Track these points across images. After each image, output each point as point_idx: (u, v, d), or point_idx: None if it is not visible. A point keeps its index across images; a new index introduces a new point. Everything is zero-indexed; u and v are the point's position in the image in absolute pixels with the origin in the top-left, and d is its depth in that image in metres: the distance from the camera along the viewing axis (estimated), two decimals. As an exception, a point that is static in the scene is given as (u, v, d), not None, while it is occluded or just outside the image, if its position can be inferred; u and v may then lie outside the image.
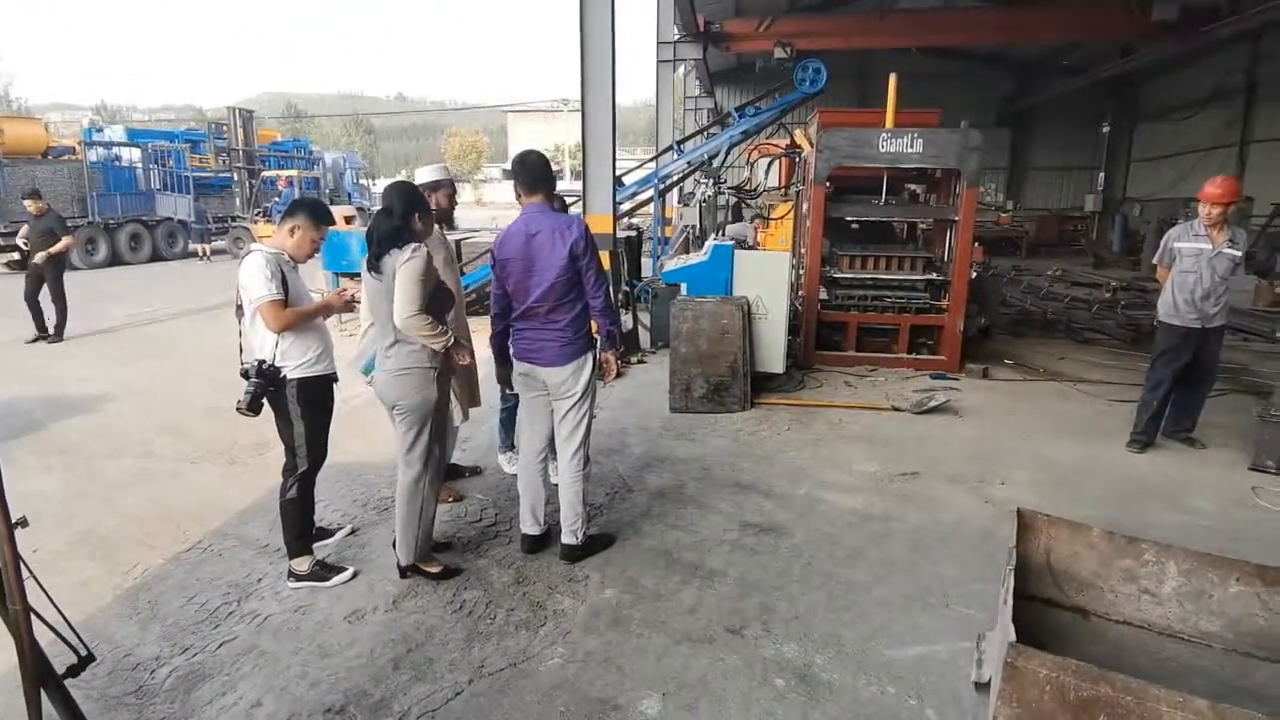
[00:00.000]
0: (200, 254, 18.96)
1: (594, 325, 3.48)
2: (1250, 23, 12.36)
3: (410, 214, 3.15)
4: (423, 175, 4.13)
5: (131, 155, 19.75)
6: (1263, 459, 4.66)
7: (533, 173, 3.36)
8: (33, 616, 1.82)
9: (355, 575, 3.40)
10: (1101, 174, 22.08)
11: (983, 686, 2.58)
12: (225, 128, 22.05)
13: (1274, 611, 2.61)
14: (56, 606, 1.90)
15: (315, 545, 3.54)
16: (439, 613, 3.10)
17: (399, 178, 4.09)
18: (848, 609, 3.14)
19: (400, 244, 3.07)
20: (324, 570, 3.38)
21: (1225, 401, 6.03)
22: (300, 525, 3.38)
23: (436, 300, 3.16)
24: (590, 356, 3.44)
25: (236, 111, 21.78)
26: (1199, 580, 2.70)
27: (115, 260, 17.81)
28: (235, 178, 21.00)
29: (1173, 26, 13.43)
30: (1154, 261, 5.14)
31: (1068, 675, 2.03)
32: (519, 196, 3.42)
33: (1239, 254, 4.72)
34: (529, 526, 3.61)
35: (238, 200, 20.99)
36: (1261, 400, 5.01)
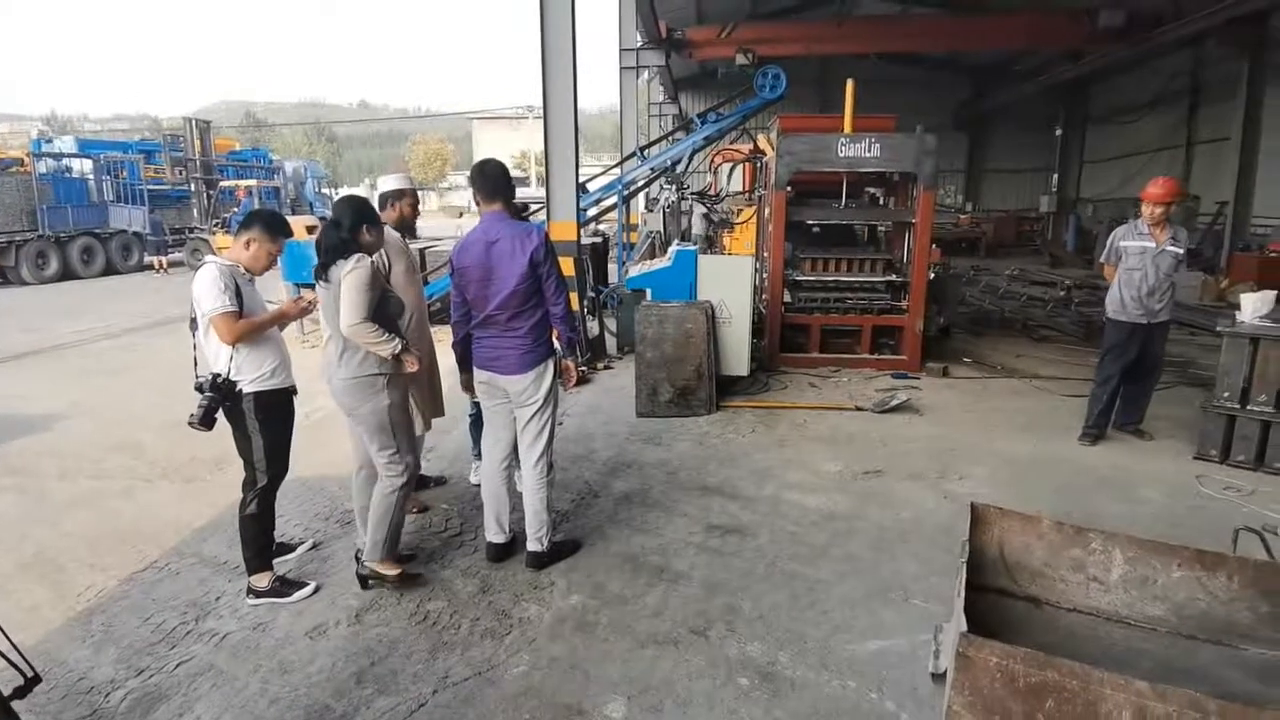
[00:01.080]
0: (156, 266, 18.54)
1: (554, 333, 3.49)
2: (1192, 28, 12.79)
3: (358, 226, 3.16)
4: (385, 184, 4.12)
5: (83, 166, 19.29)
6: (1206, 449, 4.83)
7: (491, 181, 3.37)
8: None
9: (317, 590, 3.36)
10: (1055, 175, 22.65)
11: (939, 677, 2.64)
12: (181, 138, 21.66)
13: (1214, 595, 2.71)
14: (0, 628, 1.84)
15: (276, 560, 3.50)
16: (403, 625, 3.07)
17: (362, 186, 4.06)
18: (811, 607, 3.19)
19: (346, 255, 3.07)
20: (284, 586, 3.33)
21: (1172, 394, 6.23)
22: (260, 541, 3.34)
23: (385, 308, 3.16)
24: (551, 364, 3.45)
25: (193, 122, 21.49)
26: (1143, 567, 2.78)
27: (67, 274, 17.36)
28: (193, 189, 20.61)
29: (1118, 33, 13.87)
30: (1100, 260, 5.30)
31: (1016, 663, 2.09)
32: (478, 205, 3.42)
33: (1181, 251, 4.89)
34: (494, 535, 3.60)
35: (195, 211, 20.60)
36: (1205, 392, 5.18)
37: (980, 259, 18.05)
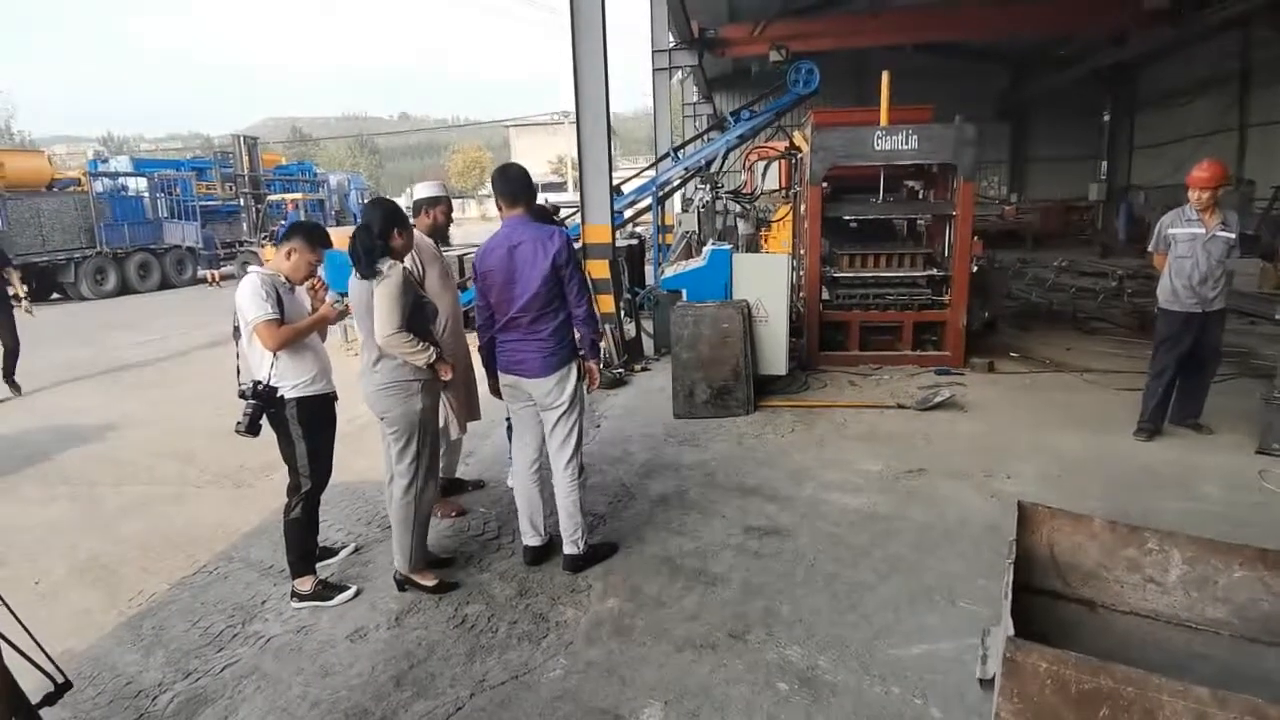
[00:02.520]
0: (210, 280, 19.12)
1: (577, 335, 3.49)
2: (1239, 8, 12.28)
3: (389, 230, 3.19)
4: (420, 192, 4.17)
5: (138, 185, 19.97)
6: (1269, 442, 4.61)
7: (512, 185, 3.39)
8: (3, 644, 1.80)
9: (358, 594, 3.40)
10: (1104, 163, 21.94)
11: (988, 683, 2.55)
12: (231, 155, 22.29)
13: (1278, 595, 2.57)
14: (30, 633, 1.88)
15: (319, 564, 3.55)
16: (441, 628, 3.09)
17: (404, 196, 4.15)
18: (852, 610, 3.12)
19: (379, 260, 3.10)
20: (326, 590, 3.38)
21: (1233, 386, 5.97)
22: (304, 545, 3.40)
23: (419, 315, 3.19)
24: (574, 366, 3.44)
25: (241, 139, 22.04)
26: (1203, 567, 2.66)
27: (125, 289, 17.99)
28: (242, 203, 21.18)
29: (1164, 14, 13.39)
30: (1149, 249, 5.10)
31: (1068, 668, 2.00)
32: (500, 209, 3.44)
33: (1233, 236, 4.68)
34: (530, 538, 3.60)
35: (245, 225, 21.16)
36: (1267, 384, 4.94)
37: (1027, 251, 17.59)
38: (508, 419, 4.55)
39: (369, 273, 3.12)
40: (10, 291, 7.89)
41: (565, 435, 3.46)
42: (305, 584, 3.37)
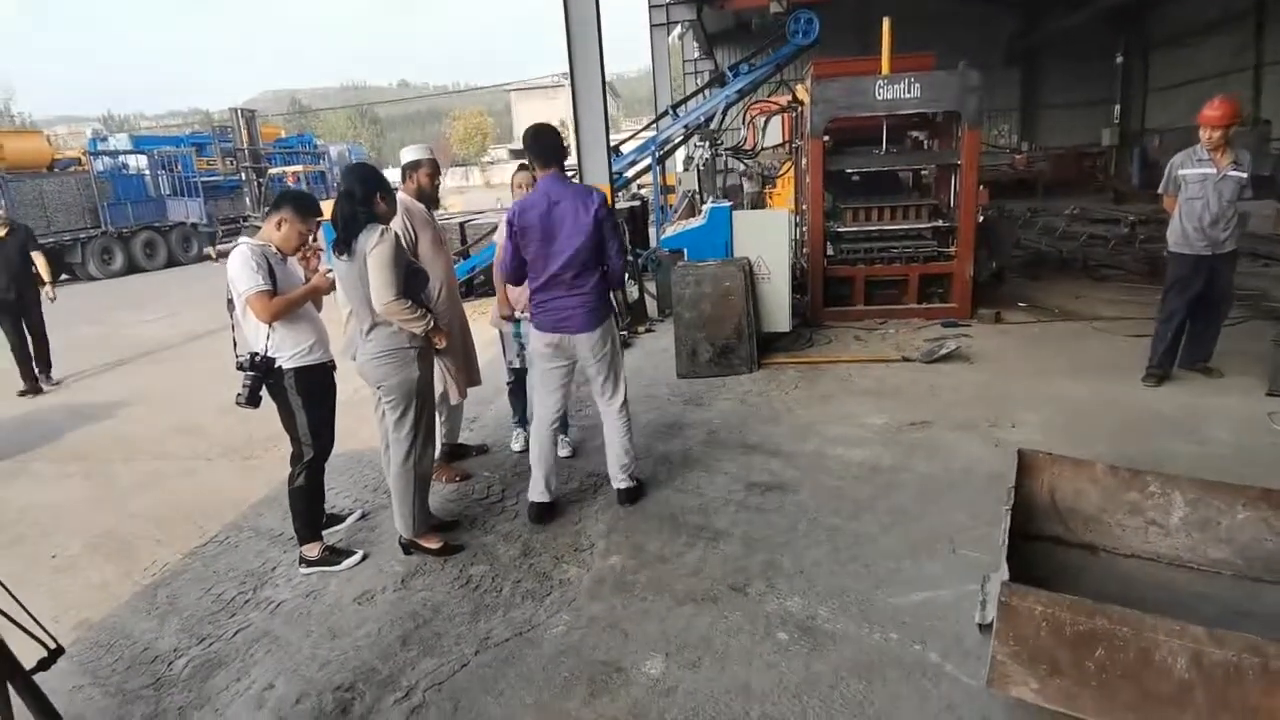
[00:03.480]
0: (213, 256, 19.13)
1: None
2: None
3: (371, 195, 3.15)
4: (404, 156, 4.12)
5: (139, 163, 19.91)
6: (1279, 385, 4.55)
7: (547, 146, 3.47)
8: None
9: (364, 558, 3.45)
10: (1117, 107, 21.39)
11: (987, 628, 2.56)
12: (230, 129, 22.09)
13: (1283, 535, 2.55)
14: (19, 601, 1.91)
15: (327, 531, 3.60)
16: (446, 589, 3.14)
17: (400, 158, 4.14)
18: (853, 560, 3.13)
19: (365, 226, 3.07)
20: (333, 555, 3.43)
21: (1245, 329, 5.87)
22: (309, 513, 3.44)
23: (411, 281, 3.17)
24: (613, 317, 3.62)
25: (239, 112, 21.73)
26: (1205, 509, 2.65)
27: (132, 268, 18.06)
28: (243, 178, 21.03)
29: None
30: (1160, 190, 4.99)
31: (1063, 611, 2.01)
32: (532, 169, 3.54)
33: (1244, 175, 4.56)
34: (539, 495, 3.66)
35: (247, 200, 21.02)
36: (1278, 325, 4.86)
37: (1038, 199, 17.26)
38: (509, 383, 4.58)
39: (344, 249, 3.10)
40: (37, 274, 7.24)
41: (614, 380, 3.66)
42: (313, 550, 3.41)
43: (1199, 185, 4.63)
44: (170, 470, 4.85)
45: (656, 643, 2.67)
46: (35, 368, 7.20)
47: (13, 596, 1.87)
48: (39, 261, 7.30)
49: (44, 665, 1.95)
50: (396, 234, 3.16)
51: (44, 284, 7.40)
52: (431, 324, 3.18)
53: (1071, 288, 8.02)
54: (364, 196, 3.12)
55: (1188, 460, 3.77)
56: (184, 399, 6.50)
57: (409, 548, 3.41)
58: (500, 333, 4.43)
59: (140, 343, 9.32)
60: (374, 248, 3.04)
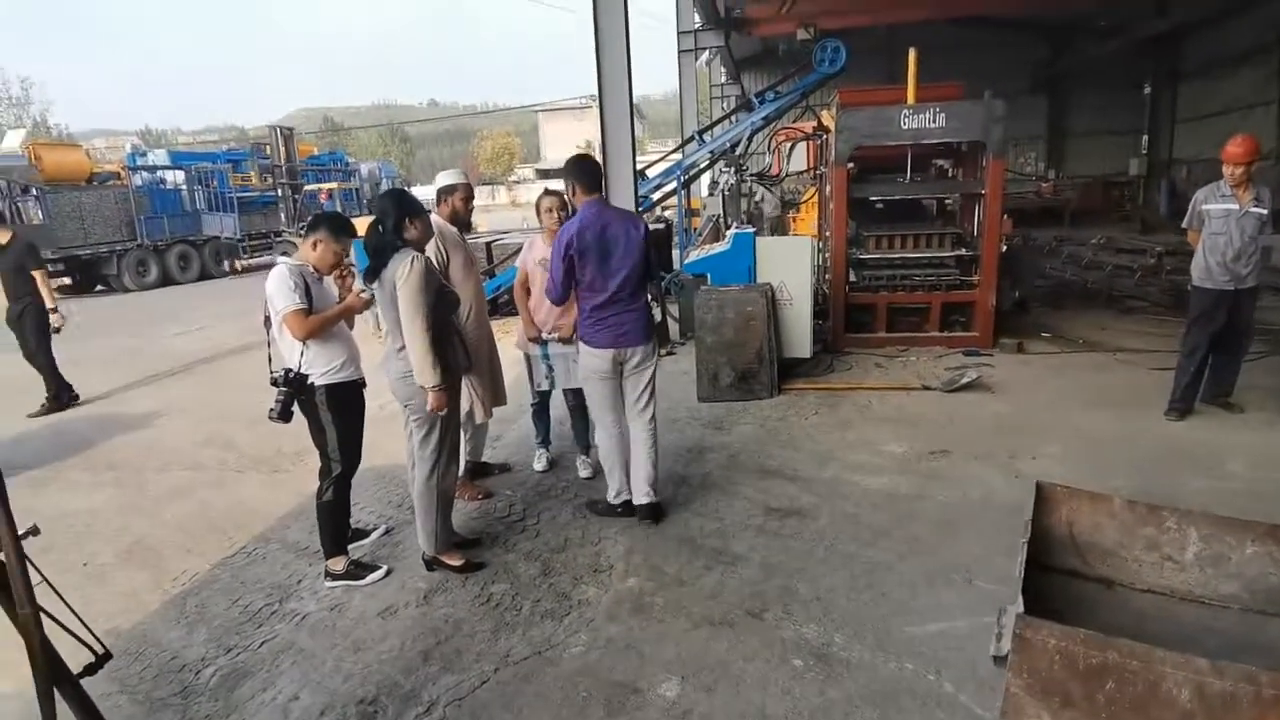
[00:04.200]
0: (238, 269, 19.50)
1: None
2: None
3: (401, 222, 3.23)
4: (439, 180, 4.25)
5: (176, 177, 20.43)
6: (1305, 421, 4.50)
7: (592, 174, 3.74)
8: (44, 618, 1.89)
9: (388, 573, 3.52)
10: (1145, 136, 21.25)
11: (1001, 659, 2.56)
12: (267, 146, 22.56)
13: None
14: (69, 606, 1.98)
15: (352, 545, 3.69)
16: (467, 606, 3.20)
17: (435, 183, 4.28)
18: (869, 588, 3.15)
19: (395, 253, 3.17)
20: (358, 569, 3.51)
21: (1266, 364, 5.82)
22: (336, 527, 3.53)
23: (441, 305, 3.27)
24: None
25: (278, 130, 22.11)
26: (1218, 544, 2.66)
27: (166, 280, 18.46)
28: (280, 193, 21.38)
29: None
30: (1184, 225, 5.00)
31: (1076, 644, 2.03)
32: (574, 194, 3.74)
33: (1264, 212, 4.58)
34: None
35: (282, 215, 21.29)
36: (1305, 361, 4.83)
37: (1064, 228, 17.16)
38: (534, 404, 4.65)
39: (374, 276, 3.20)
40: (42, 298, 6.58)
41: (652, 392, 3.87)
42: (338, 564, 3.50)
43: (1222, 220, 4.64)
44: (201, 481, 4.98)
45: (673, 665, 2.71)
46: (47, 390, 6.80)
47: (64, 601, 1.95)
48: (39, 279, 6.59)
49: (90, 670, 2.00)
50: (428, 259, 3.25)
51: (49, 308, 6.63)
52: (435, 382, 3.16)
53: (1096, 318, 7.98)
54: (394, 225, 3.21)
55: (1207, 496, 3.75)
56: (216, 411, 6.65)
57: (431, 564, 3.48)
58: (527, 356, 4.50)
59: (174, 355, 9.55)
60: (402, 279, 3.11)
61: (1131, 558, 2.81)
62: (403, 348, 3.27)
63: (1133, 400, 5.30)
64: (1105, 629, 2.09)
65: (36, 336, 6.69)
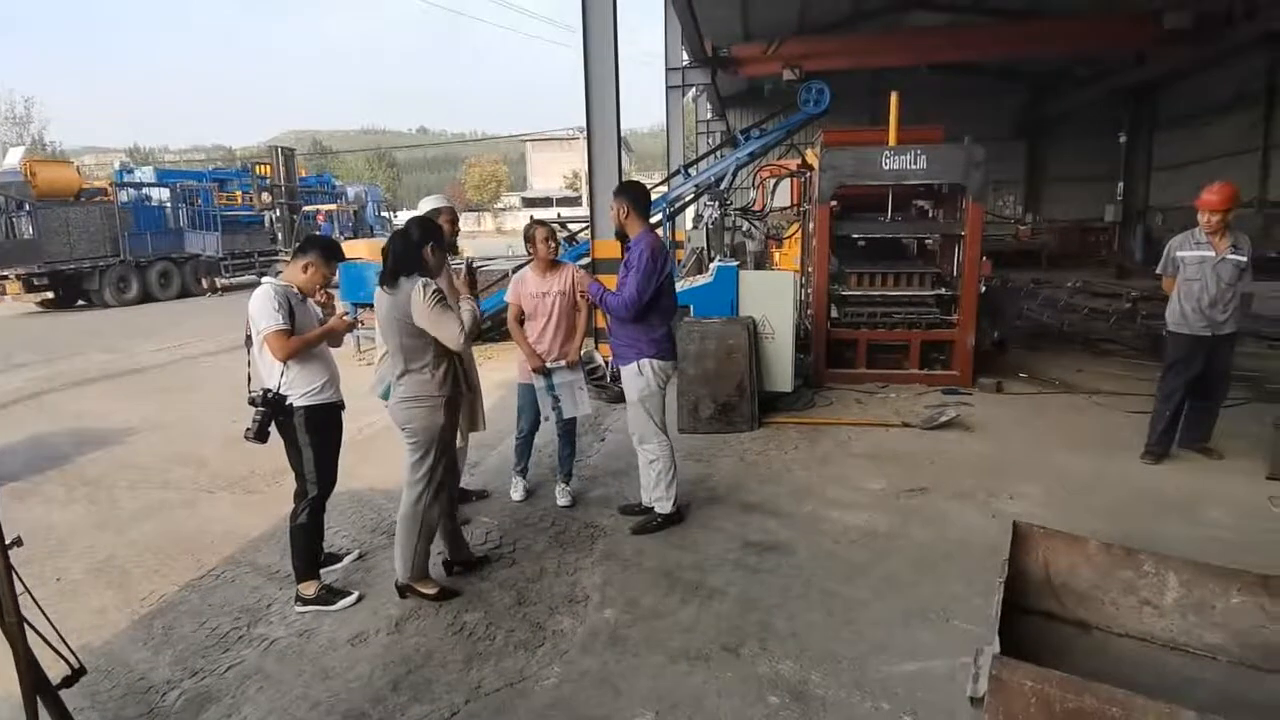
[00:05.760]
0: (217, 288, 19.26)
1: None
2: (1264, 27, 12.22)
3: (425, 242, 3.28)
4: (423, 205, 4.27)
5: (161, 195, 20.31)
6: (1280, 468, 4.57)
7: (649, 206, 4.21)
8: (27, 629, 1.92)
9: (360, 599, 3.46)
10: (1120, 183, 21.81)
11: (978, 701, 2.55)
12: (258, 166, 22.33)
13: (1278, 622, 2.56)
14: (50, 621, 1.98)
15: (324, 570, 3.62)
16: (439, 635, 3.14)
17: (419, 207, 4.32)
18: (846, 626, 3.14)
19: (413, 271, 3.20)
20: (330, 594, 3.45)
21: (1246, 411, 5.91)
22: (309, 550, 3.47)
23: None
24: None
25: (279, 149, 21.88)
26: (1200, 591, 2.66)
27: (147, 297, 18.25)
28: (279, 213, 21.06)
29: (1185, 34, 13.36)
30: (1158, 271, 5.10)
31: (1052, 687, 2.02)
32: (626, 216, 4.01)
33: (1243, 259, 4.67)
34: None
35: (280, 235, 20.83)
36: None
37: (1042, 271, 17.48)
38: (522, 434, 4.60)
39: (391, 281, 3.20)
40: None
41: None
42: (309, 588, 3.43)
43: (1197, 267, 4.74)
44: (172, 500, 4.88)
45: (647, 700, 2.67)
46: None
47: (45, 616, 1.96)
48: None
49: (67, 683, 2.03)
50: (438, 287, 3.25)
51: None
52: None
53: (1073, 361, 8.09)
54: (419, 241, 3.26)
55: (1185, 541, 3.78)
56: (189, 429, 6.56)
57: (404, 591, 3.42)
58: (521, 386, 4.47)
59: (151, 371, 9.42)
60: (416, 304, 3.12)
61: (1109, 600, 2.83)
62: (401, 374, 3.26)
63: (1109, 442, 5.36)
64: (1082, 673, 2.09)
65: None
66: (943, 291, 7.18)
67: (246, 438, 3.22)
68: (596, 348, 7.51)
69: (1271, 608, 2.62)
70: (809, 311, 7.56)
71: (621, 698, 2.70)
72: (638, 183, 4.14)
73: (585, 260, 8.40)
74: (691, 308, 6.59)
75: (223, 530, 4.35)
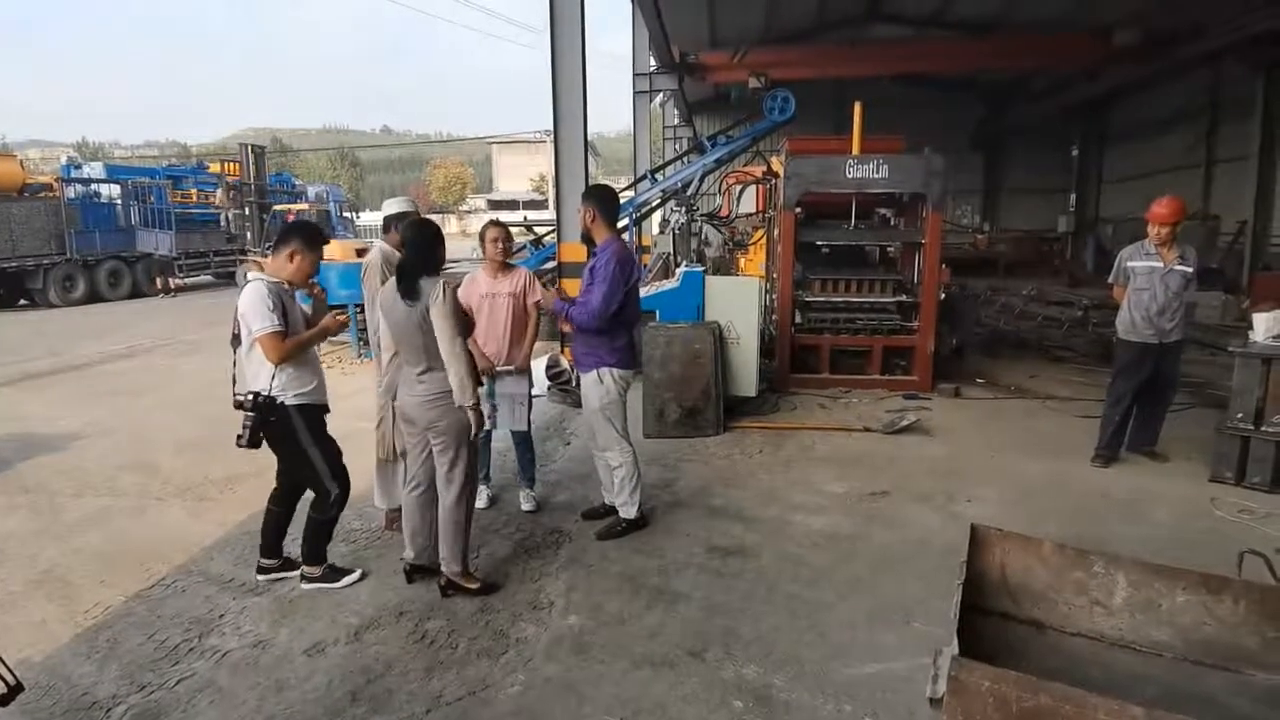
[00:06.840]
0: (170, 288, 18.71)
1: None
2: (1210, 45, 12.70)
3: (433, 246, 3.28)
4: (388, 208, 4.21)
5: (111, 191, 19.69)
6: (1221, 470, 4.74)
7: (617, 211, 4.08)
8: None
9: (364, 576, 3.55)
10: (1073, 195, 22.46)
11: (937, 702, 2.59)
12: (221, 165, 21.72)
13: (1220, 619, 2.65)
14: None
15: (279, 576, 3.57)
16: (400, 644, 3.08)
17: (383, 210, 4.28)
18: (810, 629, 3.16)
19: (431, 273, 3.20)
20: (334, 573, 3.52)
21: (1190, 415, 6.12)
22: (323, 539, 3.54)
23: (461, 329, 3.29)
24: None
25: (248, 147, 21.24)
26: (1147, 590, 2.73)
27: (94, 297, 17.66)
28: (248, 213, 20.56)
29: (1135, 51, 13.82)
30: (1110, 280, 5.26)
31: (1009, 687, 2.06)
32: (593, 220, 3.94)
33: (1190, 270, 4.85)
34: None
35: (249, 234, 20.15)
36: (1222, 413, 5.09)
37: (999, 279, 17.90)
38: (487, 432, 4.54)
39: (409, 294, 3.17)
40: None
41: None
42: (315, 570, 3.49)
43: (1146, 277, 4.90)
44: (120, 508, 4.72)
45: (612, 707, 2.66)
46: None
47: None
48: None
49: (3, 701, 1.94)
50: (455, 289, 3.24)
51: None
52: (476, 400, 3.23)
53: (1027, 367, 8.30)
54: (427, 247, 3.27)
55: (1134, 541, 3.90)
56: (139, 434, 6.35)
57: (447, 589, 3.40)
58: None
59: (98, 374, 9.12)
60: (436, 303, 3.12)
61: (1062, 601, 2.88)
62: (423, 371, 3.21)
63: (1062, 447, 5.50)
64: (1037, 672, 2.13)
65: None
66: (904, 298, 7.31)
67: (239, 444, 3.17)
68: (562, 351, 7.48)
69: (1213, 605, 2.71)
70: (773, 317, 7.63)
71: (585, 704, 2.67)
72: (606, 186, 4.09)
73: (551, 264, 8.37)
74: (657, 312, 6.60)
75: (173, 538, 4.21)
